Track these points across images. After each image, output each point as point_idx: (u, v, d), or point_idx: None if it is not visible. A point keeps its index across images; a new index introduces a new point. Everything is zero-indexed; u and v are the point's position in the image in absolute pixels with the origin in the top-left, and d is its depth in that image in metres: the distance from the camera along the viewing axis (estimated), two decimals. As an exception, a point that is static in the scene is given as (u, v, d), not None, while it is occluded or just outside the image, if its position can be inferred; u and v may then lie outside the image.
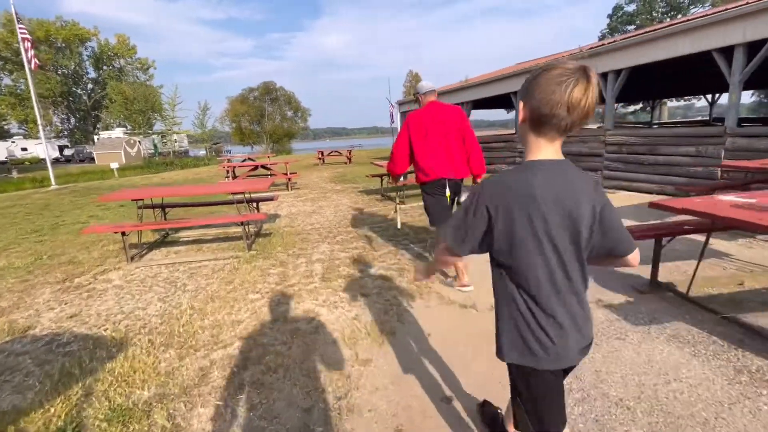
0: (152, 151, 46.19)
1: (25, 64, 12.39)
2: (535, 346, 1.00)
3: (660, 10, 34.62)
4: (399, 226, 5.38)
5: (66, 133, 55.58)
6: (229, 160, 12.90)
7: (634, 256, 1.03)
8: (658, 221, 4.16)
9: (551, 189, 0.94)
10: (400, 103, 16.48)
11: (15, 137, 50.28)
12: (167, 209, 5.60)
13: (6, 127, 47.82)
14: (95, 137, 43.82)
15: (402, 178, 3.95)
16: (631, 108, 40.28)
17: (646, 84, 11.76)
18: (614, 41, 6.98)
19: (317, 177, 12.41)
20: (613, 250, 1.02)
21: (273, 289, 3.47)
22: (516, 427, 1.13)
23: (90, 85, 55.88)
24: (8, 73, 48.60)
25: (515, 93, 9.86)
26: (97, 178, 23.25)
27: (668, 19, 29.55)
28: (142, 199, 4.74)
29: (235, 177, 9.87)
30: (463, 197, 2.68)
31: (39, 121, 13.83)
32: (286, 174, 9.62)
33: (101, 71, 53.90)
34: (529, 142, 1.00)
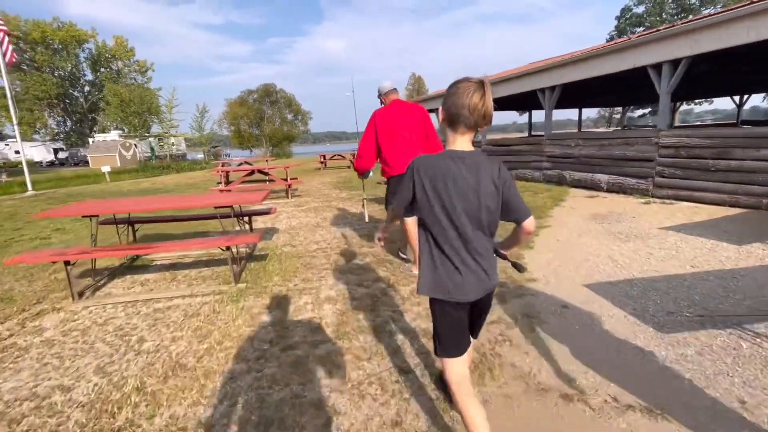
0: (149, 154, 45.20)
1: (0, 58, 11.32)
2: (439, 284, 1.37)
3: (670, 11, 33.79)
4: (366, 219, 5.45)
5: (62, 135, 54.59)
6: (223, 165, 11.85)
7: (529, 222, 1.36)
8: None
9: (459, 170, 1.30)
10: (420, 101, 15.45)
11: (9, 140, 49.27)
12: (137, 225, 4.51)
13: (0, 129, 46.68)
14: (90, 140, 42.77)
15: (367, 176, 3.92)
16: (639, 112, 39.36)
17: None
18: (673, 26, 5.95)
19: (320, 183, 11.34)
20: (511, 216, 1.36)
21: (265, 353, 2.38)
22: (434, 352, 1.52)
23: (87, 88, 55.00)
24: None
25: (543, 90, 8.82)
26: (89, 182, 22.20)
27: (677, 20, 28.71)
28: (96, 215, 3.65)
29: (228, 182, 8.83)
30: None
31: (14, 121, 12.71)
32: (285, 180, 8.56)
33: (99, 73, 53.06)
34: (448, 136, 1.39)
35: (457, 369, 1.42)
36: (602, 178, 7.44)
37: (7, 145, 46.89)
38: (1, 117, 47.32)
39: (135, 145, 40.57)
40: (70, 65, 51.91)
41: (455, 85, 1.30)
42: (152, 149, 45.24)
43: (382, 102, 3.47)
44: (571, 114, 17.98)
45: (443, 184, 1.30)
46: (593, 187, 7.66)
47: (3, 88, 46.31)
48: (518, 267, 1.52)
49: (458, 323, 1.42)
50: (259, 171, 8.48)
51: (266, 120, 40.96)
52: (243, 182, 8.78)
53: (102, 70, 53.42)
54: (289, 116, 43.57)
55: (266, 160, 11.79)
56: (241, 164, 12.26)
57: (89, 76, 54.36)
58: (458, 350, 1.44)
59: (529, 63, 11.32)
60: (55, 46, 49.57)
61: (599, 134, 8.01)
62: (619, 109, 45.88)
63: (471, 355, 1.72)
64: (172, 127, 42.68)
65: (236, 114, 39.93)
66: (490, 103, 1.27)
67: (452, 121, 1.32)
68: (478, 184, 1.28)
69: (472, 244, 1.33)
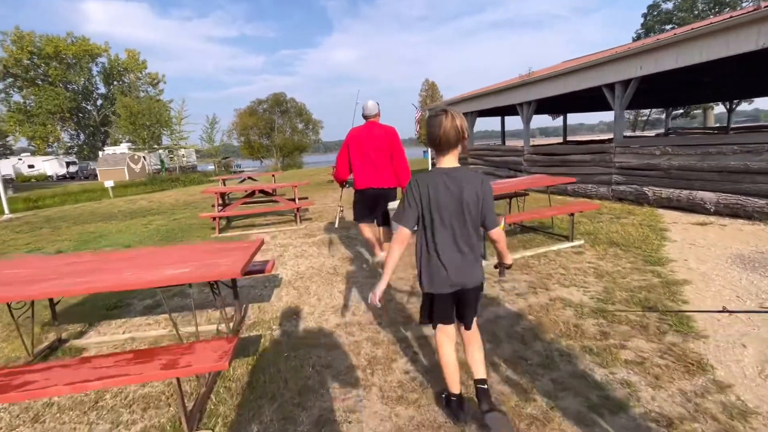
0: (158, 166, 44.54)
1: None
2: (432, 280, 1.72)
3: (701, 6, 31.62)
4: (336, 225, 5.54)
5: (75, 149, 54.68)
6: (224, 182, 10.35)
7: (494, 231, 1.73)
8: None
9: (445, 183, 1.63)
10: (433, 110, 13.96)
11: (22, 154, 49.36)
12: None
13: (9, 143, 46.74)
14: (100, 153, 42.32)
15: (346, 185, 4.26)
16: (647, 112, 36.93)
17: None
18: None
19: (333, 200, 9.75)
20: (483, 223, 1.70)
21: None
22: (419, 319, 1.93)
23: (99, 101, 55.16)
24: (18, 90, 47.96)
25: (613, 86, 7.08)
26: (96, 197, 21.09)
27: (711, 16, 26.59)
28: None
29: (225, 206, 7.31)
30: (393, 205, 3.75)
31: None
32: (293, 201, 6.97)
33: (111, 86, 53.15)
34: (436, 156, 1.70)
35: (444, 330, 1.86)
36: (707, 197, 5.63)
37: (20, 159, 46.86)
38: (14, 131, 47.45)
39: (144, 157, 39.90)
40: (83, 79, 52.07)
41: (430, 118, 1.65)
42: (162, 161, 44.60)
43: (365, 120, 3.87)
44: (575, 119, 15.97)
45: (434, 196, 1.64)
46: (692, 208, 5.86)
47: (18, 102, 46.23)
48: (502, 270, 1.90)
49: (445, 307, 1.80)
50: (261, 191, 6.94)
51: (276, 130, 39.83)
52: (244, 203, 7.21)
53: (115, 83, 53.50)
54: (300, 126, 42.42)
55: (273, 175, 10.22)
56: (243, 180, 10.76)
57: (102, 90, 54.50)
58: (446, 320, 1.84)
59: (589, 54, 9.59)
60: (69, 61, 49.72)
61: (702, 140, 6.18)
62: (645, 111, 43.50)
63: (475, 341, 1.89)
64: (181, 139, 42.01)
65: (246, 124, 38.91)
66: (458, 124, 1.59)
67: (435, 146, 1.66)
68: (461, 194, 1.63)
69: (458, 245, 1.68)
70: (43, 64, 47.89)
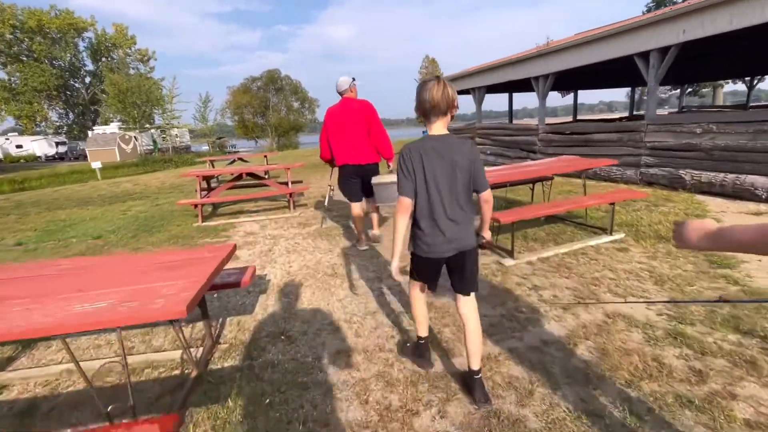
0: (151, 147, 43.26)
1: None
2: (421, 244, 1.77)
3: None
4: (326, 203, 5.41)
5: (65, 128, 53.06)
6: (212, 163, 9.53)
7: (486, 193, 1.78)
8: None
9: (436, 150, 1.66)
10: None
11: (10, 134, 47.82)
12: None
13: (-7, 123, 45.06)
14: (90, 133, 40.94)
15: (334, 164, 4.18)
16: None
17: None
18: None
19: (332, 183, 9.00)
20: (475, 186, 1.73)
21: None
22: (410, 277, 1.98)
23: (88, 78, 53.21)
24: (2, 66, 45.99)
25: (647, 55, 6.23)
26: (85, 178, 20.15)
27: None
28: None
29: (210, 189, 6.55)
30: (375, 179, 3.73)
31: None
32: (286, 185, 6.21)
33: (99, 63, 51.12)
34: (426, 124, 1.73)
35: (419, 288, 2.00)
36: (760, 182, 4.90)
37: (8, 139, 45.38)
38: (0, 111, 45.74)
39: (135, 137, 38.59)
40: (69, 55, 50.01)
41: (421, 85, 1.66)
42: (154, 142, 43.28)
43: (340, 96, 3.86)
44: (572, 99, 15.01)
45: (427, 163, 1.66)
46: (738, 195, 5.14)
47: (2, 80, 44.39)
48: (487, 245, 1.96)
49: (432, 272, 1.88)
50: (250, 174, 6.16)
51: (271, 109, 38.46)
52: (231, 188, 6.44)
53: (103, 60, 51.46)
54: (296, 104, 40.97)
55: (265, 156, 9.40)
56: (233, 162, 9.92)
57: (90, 67, 52.47)
58: (430, 283, 1.94)
59: (614, 23, 8.63)
60: (53, 36, 47.58)
61: (755, 115, 5.41)
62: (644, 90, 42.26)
63: (472, 317, 1.87)
64: (173, 118, 40.58)
65: (239, 103, 37.50)
66: (449, 93, 1.63)
67: (425, 113, 1.69)
68: (453, 160, 1.66)
69: (448, 212, 1.70)
70: (27, 39, 45.80)
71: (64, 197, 9.88)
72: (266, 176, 9.07)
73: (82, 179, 21.81)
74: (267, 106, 38.40)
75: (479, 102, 10.75)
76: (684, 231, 0.94)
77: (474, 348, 1.83)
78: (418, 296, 2.02)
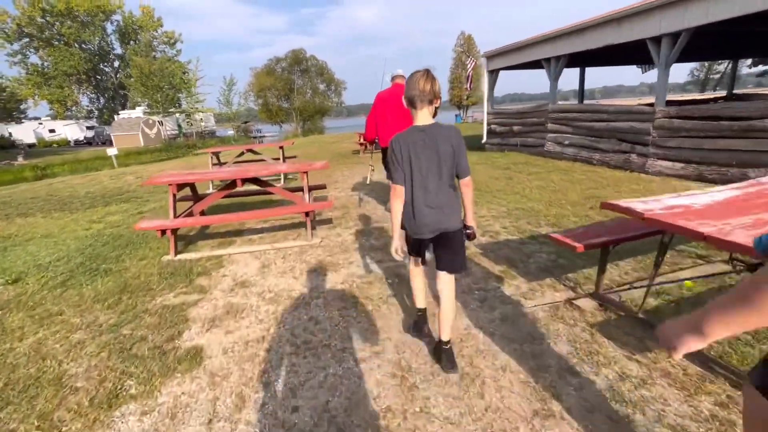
0: (176, 131, 42.57)
1: None
2: (408, 225, 1.91)
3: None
4: (368, 182, 6.19)
5: (96, 113, 53.42)
6: (217, 157, 7.64)
7: (467, 179, 1.88)
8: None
9: (422, 139, 1.79)
10: (490, 57, 10.45)
11: (43, 118, 48.44)
12: None
13: (23, 108, 45.59)
14: (115, 117, 40.54)
15: (373, 145, 4.68)
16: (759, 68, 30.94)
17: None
18: None
19: (364, 183, 6.92)
20: (457, 171, 1.84)
21: None
22: (408, 252, 2.07)
23: (116, 62, 53.05)
24: (34, 51, 46.17)
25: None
26: (107, 165, 19.09)
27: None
28: None
29: (198, 200, 4.62)
30: None
31: None
32: (302, 194, 4.20)
33: (127, 47, 50.66)
34: (413, 115, 1.85)
35: (418, 263, 2.16)
36: None
37: (41, 124, 45.87)
38: (33, 95, 46.11)
39: (160, 122, 37.74)
40: (97, 38, 49.75)
41: (410, 77, 1.81)
42: (179, 126, 42.54)
43: (391, 83, 4.20)
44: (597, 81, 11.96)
45: (413, 151, 1.79)
46: None
47: (35, 64, 44.58)
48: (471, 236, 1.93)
49: (418, 248, 2.05)
50: (251, 180, 4.13)
51: (296, 91, 36.50)
52: (227, 196, 4.46)
53: (131, 43, 50.97)
54: (321, 87, 38.80)
55: (280, 148, 7.45)
56: (242, 154, 8.00)
57: (118, 50, 52.18)
58: (417, 257, 2.13)
59: None
60: (83, 19, 47.29)
61: None
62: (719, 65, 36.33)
63: (447, 295, 1.97)
64: (197, 102, 39.45)
65: (263, 85, 35.73)
66: (433, 85, 1.78)
67: (411, 103, 1.81)
68: (437, 147, 1.79)
69: (433, 197, 1.83)
70: (57, 23, 45.68)
71: (44, 195, 8.30)
72: (281, 180, 7.31)
73: (99, 166, 20.87)
74: (291, 88, 36.48)
75: (555, 76, 8.28)
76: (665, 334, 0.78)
77: (445, 322, 1.97)
78: (415, 270, 2.19)
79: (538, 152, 8.89)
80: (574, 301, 2.52)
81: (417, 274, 2.20)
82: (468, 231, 1.93)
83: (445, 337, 1.98)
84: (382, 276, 3.17)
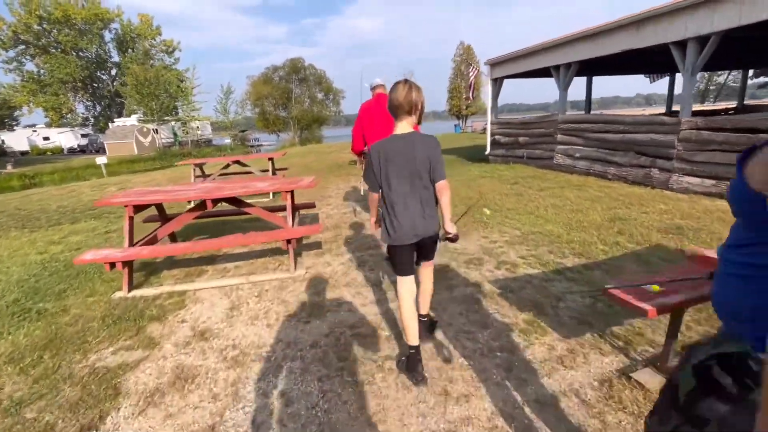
0: (171, 139, 42.02)
1: None
2: (390, 234, 1.93)
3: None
4: (362, 192, 5.94)
5: (91, 120, 52.93)
6: (201, 169, 7.06)
7: (442, 183, 1.87)
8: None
9: (400, 147, 1.83)
10: (493, 65, 9.94)
11: (37, 126, 47.84)
12: None
13: (16, 115, 45.01)
14: (110, 125, 39.99)
15: (364, 157, 4.30)
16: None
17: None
18: None
19: (358, 195, 6.31)
20: (433, 175, 1.85)
21: None
22: (393, 270, 2.11)
23: (114, 70, 52.79)
24: (30, 58, 45.80)
25: None
26: (89, 175, 18.46)
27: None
28: None
29: (165, 221, 3.98)
30: None
31: None
32: (285, 216, 3.57)
33: (125, 54, 50.38)
34: (395, 121, 1.90)
35: (405, 285, 2.01)
36: None
37: (35, 131, 45.23)
38: (28, 102, 45.53)
39: (155, 130, 37.15)
40: (95, 46, 49.50)
41: (392, 87, 1.86)
42: (175, 134, 42.00)
43: (372, 94, 4.07)
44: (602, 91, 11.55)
45: (391, 159, 1.83)
46: None
47: (31, 72, 44.11)
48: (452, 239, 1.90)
49: (405, 257, 1.98)
50: (226, 200, 3.52)
51: (294, 100, 36.08)
52: (200, 217, 3.83)
53: (129, 51, 50.69)
54: (320, 95, 38.39)
55: (270, 159, 6.86)
56: (228, 166, 7.39)
57: (116, 58, 51.94)
58: (406, 272, 2.01)
59: None
60: (80, 27, 47.07)
61: None
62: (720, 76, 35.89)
63: (427, 278, 2.19)
64: (194, 110, 38.93)
65: (260, 93, 35.30)
66: (413, 96, 1.82)
67: (392, 112, 1.87)
68: (414, 155, 1.82)
69: (414, 202, 1.88)
70: (54, 30, 45.40)
71: (12, 209, 7.64)
72: (270, 195, 6.72)
73: (89, 175, 20.21)
74: (289, 97, 36.05)
75: (565, 85, 7.74)
76: None
77: (427, 295, 2.23)
78: (406, 296, 2.01)
79: (546, 165, 8.32)
80: (632, 375, 1.88)
81: (409, 300, 2.01)
82: (449, 236, 1.90)
83: (423, 311, 2.24)
84: (379, 324, 2.54)
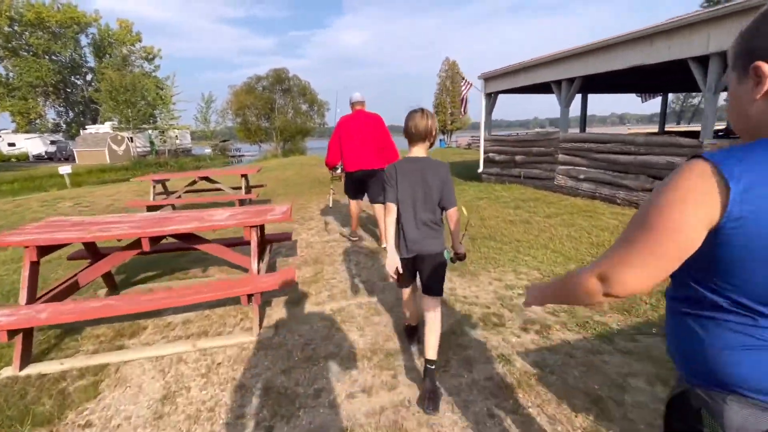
0: (149, 148, 40.35)
1: None
2: (401, 247, 2.04)
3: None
4: (330, 204, 6.11)
5: (63, 126, 50.72)
6: (163, 185, 6.17)
7: (453, 210, 2.01)
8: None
9: (413, 170, 1.97)
10: (487, 79, 9.43)
11: (2, 131, 45.35)
12: None
13: (-22, 120, 42.52)
14: (81, 132, 38.13)
15: (337, 170, 4.55)
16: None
17: None
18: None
19: (340, 215, 5.52)
20: (443, 203, 1.98)
21: None
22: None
23: (89, 75, 50.97)
24: (-1, 61, 43.62)
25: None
26: (61, 186, 17.01)
27: None
28: None
29: (96, 259, 3.12)
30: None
31: None
32: (252, 263, 2.75)
33: (103, 60, 48.69)
34: (409, 146, 2.05)
35: (406, 293, 2.29)
36: None
37: (0, 137, 42.76)
38: (-7, 107, 43.11)
39: (129, 138, 35.45)
40: (69, 50, 47.74)
41: (409, 114, 1.99)
42: (152, 143, 40.39)
43: (351, 109, 4.23)
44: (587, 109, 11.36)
45: (405, 179, 1.97)
46: None
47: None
48: (460, 257, 2.06)
49: (406, 269, 2.07)
50: (174, 237, 2.70)
51: (277, 111, 35.20)
52: (141, 253, 2.97)
53: (107, 57, 49.05)
54: (304, 107, 37.65)
55: (243, 176, 6.03)
56: (194, 182, 6.50)
57: (92, 63, 50.18)
58: (405, 285, 2.22)
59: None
60: (55, 30, 45.35)
61: None
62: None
63: (434, 318, 2.06)
64: (172, 119, 37.50)
65: (242, 103, 34.30)
66: (431, 123, 1.97)
67: (408, 137, 2.01)
68: (426, 179, 1.95)
69: (420, 220, 1.98)
70: (26, 33, 43.52)
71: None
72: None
73: (51, 185, 18.71)
74: (272, 107, 35.16)
75: (567, 102, 7.23)
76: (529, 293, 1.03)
77: (433, 341, 2.02)
78: (408, 296, 2.32)
79: (545, 186, 7.74)
80: None
81: (410, 298, 2.31)
82: (458, 252, 2.04)
83: (430, 356, 2.03)
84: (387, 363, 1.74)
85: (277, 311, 2.96)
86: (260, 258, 2.93)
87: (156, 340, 2.62)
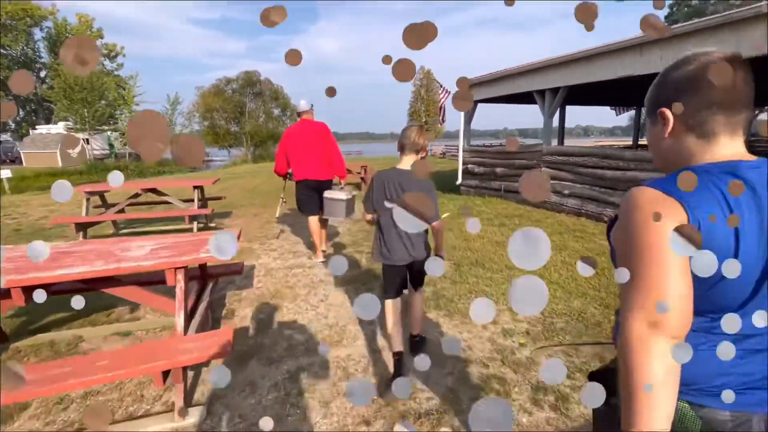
0: (107, 151, 37.97)
1: None
2: (381, 254, 2.19)
3: None
4: (277, 214, 5.81)
5: (12, 127, 47.14)
6: (101, 197, 5.32)
7: (437, 225, 2.15)
8: None
9: (397, 179, 2.09)
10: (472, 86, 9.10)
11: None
12: None
13: None
14: (31, 132, 35.38)
15: (289, 177, 4.38)
16: None
17: None
18: None
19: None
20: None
21: None
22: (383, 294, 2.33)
23: (43, 72, 47.83)
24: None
25: None
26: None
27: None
28: None
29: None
30: (327, 193, 4.00)
31: None
32: (178, 328, 2.08)
33: (58, 56, 45.49)
34: (399, 156, 2.17)
35: (390, 304, 2.22)
36: None
37: (-64, 139, 39.00)
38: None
39: (85, 140, 33.09)
40: (21, 44, 44.65)
41: (407, 127, 2.15)
42: (111, 146, 38.05)
43: (298, 117, 4.20)
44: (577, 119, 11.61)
45: (388, 188, 2.09)
46: None
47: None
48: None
49: (394, 278, 2.22)
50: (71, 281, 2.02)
51: (248, 115, 33.92)
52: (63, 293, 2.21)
53: (63, 52, 45.95)
54: (276, 111, 36.56)
55: (197, 189, 5.26)
56: (137, 195, 5.63)
57: (46, 59, 47.12)
58: (391, 295, 2.24)
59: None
60: (4, 22, 42.30)
61: None
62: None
63: (418, 303, 2.39)
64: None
65: (211, 106, 32.83)
66: (424, 140, 2.12)
67: (400, 148, 2.14)
68: (411, 189, 1.99)
69: (400, 232, 2.10)
70: (-31, 24, 40.28)
71: None
72: (192, 226, 5.35)
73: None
74: (242, 111, 33.86)
75: (551, 112, 6.91)
76: None
77: (418, 317, 2.42)
78: (390, 313, 2.23)
79: (527, 200, 7.36)
80: None
81: (393, 317, 2.23)
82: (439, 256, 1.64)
83: (416, 331, 2.43)
84: None
85: (215, 374, 2.27)
86: (195, 305, 2.23)
87: (35, 428, 1.86)
